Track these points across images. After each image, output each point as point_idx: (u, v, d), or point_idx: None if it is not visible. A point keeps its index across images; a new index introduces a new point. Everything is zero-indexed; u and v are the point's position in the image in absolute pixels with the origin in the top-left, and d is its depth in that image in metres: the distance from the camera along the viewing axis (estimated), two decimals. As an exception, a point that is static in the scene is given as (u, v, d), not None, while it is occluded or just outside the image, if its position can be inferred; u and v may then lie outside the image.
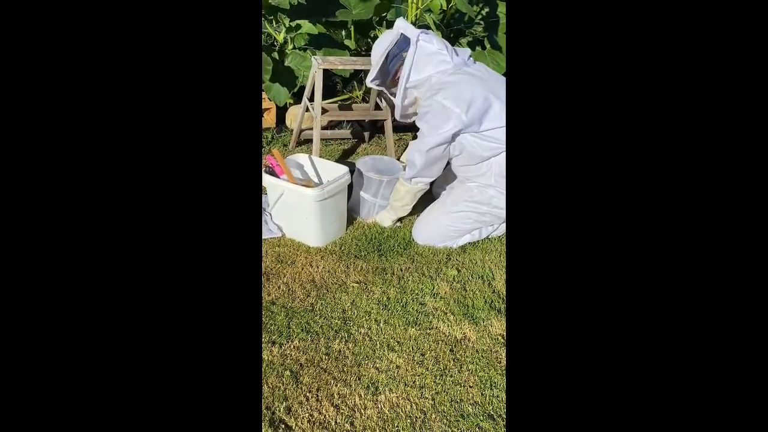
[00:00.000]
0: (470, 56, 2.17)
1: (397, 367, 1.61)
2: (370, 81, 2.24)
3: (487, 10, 3.15)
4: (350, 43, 3.33)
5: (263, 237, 2.18)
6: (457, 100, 2.00)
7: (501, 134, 2.04)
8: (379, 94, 2.78)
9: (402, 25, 2.12)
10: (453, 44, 2.40)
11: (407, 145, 2.66)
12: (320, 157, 2.54)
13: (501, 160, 2.09)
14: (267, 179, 2.14)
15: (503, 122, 2.02)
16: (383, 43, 2.16)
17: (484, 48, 3.10)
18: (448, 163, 2.20)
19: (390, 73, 2.19)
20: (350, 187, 2.28)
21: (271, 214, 2.24)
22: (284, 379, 1.53)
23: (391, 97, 2.33)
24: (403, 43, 2.11)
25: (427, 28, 2.93)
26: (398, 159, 2.58)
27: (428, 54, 2.08)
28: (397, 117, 2.28)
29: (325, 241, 2.18)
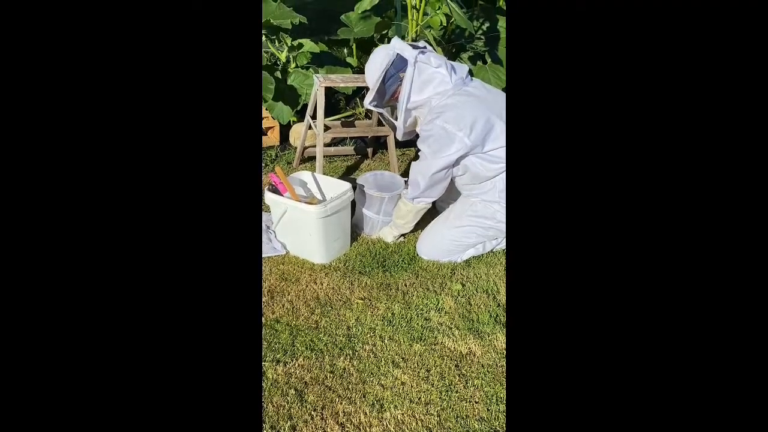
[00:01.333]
0: (468, 72, 2.15)
1: (402, 383, 1.60)
2: (368, 103, 2.20)
3: (487, 24, 3.17)
4: (352, 61, 3.37)
5: (268, 255, 2.19)
6: (459, 123, 1.98)
7: (504, 153, 2.03)
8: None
9: (398, 45, 2.08)
10: (454, 59, 2.41)
11: (411, 160, 2.67)
12: (324, 174, 2.55)
13: (505, 177, 2.08)
14: (270, 197, 2.15)
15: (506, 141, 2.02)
16: (377, 63, 2.11)
17: (485, 62, 3.12)
18: (452, 180, 2.20)
19: (387, 94, 2.16)
20: (354, 203, 2.29)
21: (275, 232, 2.25)
22: (289, 398, 1.53)
23: (391, 119, 2.32)
24: (400, 63, 2.07)
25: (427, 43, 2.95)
26: (401, 174, 2.59)
27: (427, 74, 2.06)
28: (399, 137, 2.26)
29: (329, 258, 2.18)
